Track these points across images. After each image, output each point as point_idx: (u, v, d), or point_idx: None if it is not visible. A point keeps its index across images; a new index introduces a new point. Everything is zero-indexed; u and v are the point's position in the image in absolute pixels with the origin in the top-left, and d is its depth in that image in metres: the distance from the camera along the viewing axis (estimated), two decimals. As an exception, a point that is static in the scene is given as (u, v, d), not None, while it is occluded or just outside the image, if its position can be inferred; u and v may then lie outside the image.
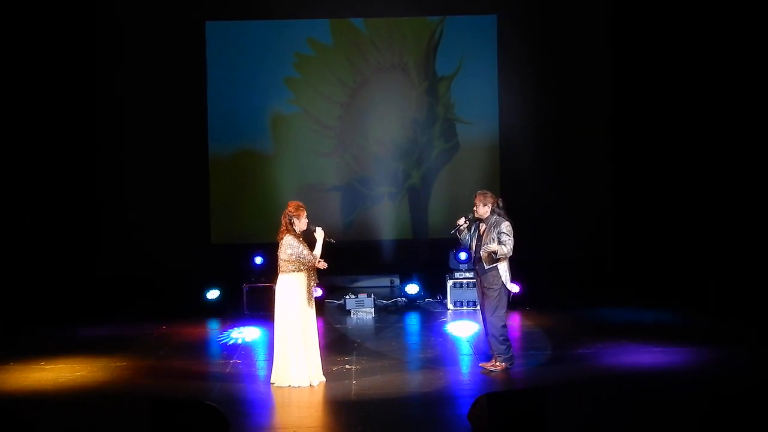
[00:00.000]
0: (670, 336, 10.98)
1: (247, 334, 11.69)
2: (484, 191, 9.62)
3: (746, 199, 11.99)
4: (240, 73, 15.85)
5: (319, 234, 9.16)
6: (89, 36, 15.53)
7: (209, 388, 9.22)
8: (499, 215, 9.42)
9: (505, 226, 9.34)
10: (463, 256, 13.41)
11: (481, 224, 9.50)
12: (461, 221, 9.60)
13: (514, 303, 9.67)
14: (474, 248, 9.52)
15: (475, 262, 9.58)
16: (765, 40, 11.59)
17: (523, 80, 15.84)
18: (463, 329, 11.93)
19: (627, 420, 7.85)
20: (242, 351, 10.79)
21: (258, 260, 13.46)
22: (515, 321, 12.16)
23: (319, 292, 12.67)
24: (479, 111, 15.98)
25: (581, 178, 15.86)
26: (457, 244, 13.24)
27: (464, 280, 13.36)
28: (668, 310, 12.76)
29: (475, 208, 9.48)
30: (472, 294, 13.25)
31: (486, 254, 9.30)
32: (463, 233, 9.61)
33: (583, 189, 15.85)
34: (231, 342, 11.29)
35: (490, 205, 9.44)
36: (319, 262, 9.07)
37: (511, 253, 9.34)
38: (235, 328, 12.03)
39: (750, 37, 11.88)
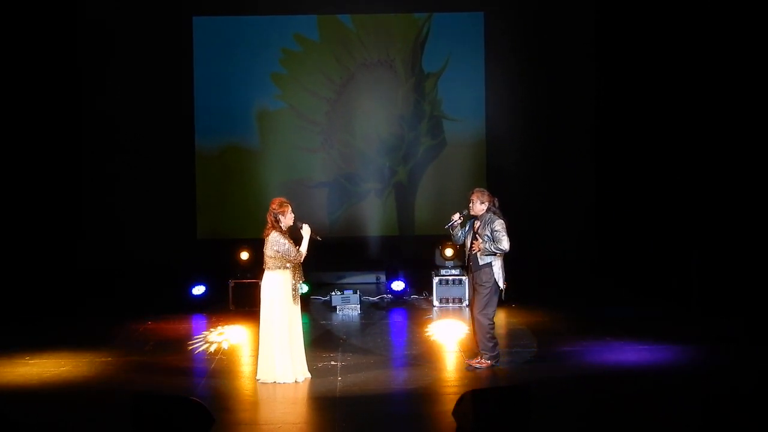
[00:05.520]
0: (654, 333, 11.03)
1: (229, 335, 11.59)
2: (481, 189, 9.62)
3: (728, 195, 12.05)
4: (227, 69, 15.83)
5: (306, 231, 9.16)
6: (76, 30, 15.48)
7: (194, 383, 9.20)
8: (494, 213, 9.43)
9: (499, 224, 9.35)
10: (449, 252, 13.42)
11: (475, 221, 9.51)
12: (456, 217, 9.60)
13: (500, 300, 9.65)
14: (468, 245, 9.52)
15: (468, 259, 9.58)
16: (745, 41, 11.65)
17: (510, 78, 15.87)
18: (448, 326, 11.95)
19: (611, 417, 7.88)
20: (227, 347, 10.78)
21: (244, 256, 13.44)
22: (501, 318, 12.18)
23: (305, 289, 12.66)
24: (466, 108, 16.00)
25: (566, 175, 15.91)
26: (443, 241, 13.37)
27: (450, 277, 13.37)
28: (652, 307, 12.81)
29: (471, 205, 9.48)
30: (458, 291, 13.30)
31: (476, 250, 9.32)
32: (456, 229, 9.61)
33: (569, 186, 15.91)
34: (209, 346, 11.15)
35: (486, 203, 9.44)
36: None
37: (508, 250, 9.32)
38: (212, 330, 11.90)
39: (732, 38, 11.94)
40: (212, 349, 10.71)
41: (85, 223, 15.66)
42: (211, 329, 11.83)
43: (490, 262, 9.37)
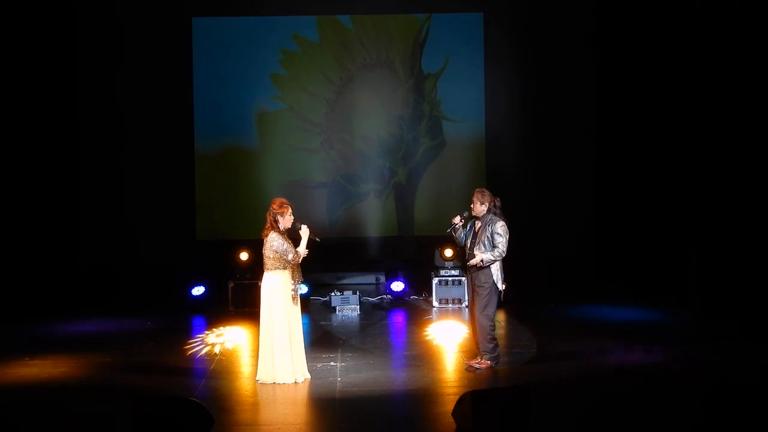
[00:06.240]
0: (654, 333, 11.02)
1: (228, 336, 11.57)
2: (482, 189, 9.59)
3: (728, 194, 12.05)
4: (226, 70, 15.81)
5: (305, 232, 9.15)
6: (76, 31, 15.47)
7: (193, 384, 9.20)
8: (495, 214, 9.41)
9: (500, 227, 9.33)
10: (448, 253, 13.40)
11: (476, 222, 9.50)
12: (457, 219, 9.59)
13: (499, 301, 9.65)
14: (469, 246, 9.51)
15: (467, 260, 9.58)
16: (743, 43, 11.66)
17: (509, 78, 15.86)
18: (448, 327, 11.95)
19: (611, 418, 7.87)
20: (227, 348, 10.77)
21: (243, 257, 13.42)
22: (500, 319, 12.18)
23: (304, 289, 12.66)
24: (465, 109, 15.99)
25: (566, 175, 15.89)
26: (442, 242, 13.37)
27: (449, 278, 13.37)
28: (652, 307, 12.80)
29: (472, 206, 9.47)
30: (458, 291, 13.29)
31: (476, 263, 9.30)
32: (459, 231, 9.60)
33: (568, 187, 15.88)
34: (209, 347, 11.13)
35: (487, 203, 9.43)
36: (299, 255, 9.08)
37: (503, 255, 9.34)
38: (212, 331, 11.87)
39: (729, 38, 11.95)
40: (212, 350, 10.71)
41: (84, 223, 15.64)
42: (211, 330, 11.82)
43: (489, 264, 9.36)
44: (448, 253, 13.44)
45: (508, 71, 15.86)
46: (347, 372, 9.51)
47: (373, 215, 16.01)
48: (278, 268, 8.99)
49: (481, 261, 9.26)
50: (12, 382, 9.24)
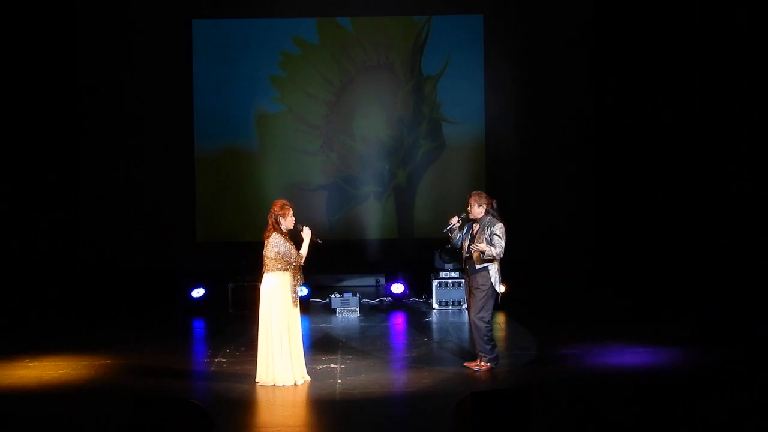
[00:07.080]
0: (653, 335, 11.02)
1: (228, 337, 11.60)
2: (479, 192, 9.62)
3: (728, 197, 12.05)
4: (226, 71, 15.83)
5: (306, 233, 9.16)
6: (76, 33, 15.49)
7: (193, 386, 9.20)
8: (493, 216, 9.43)
9: (499, 228, 9.35)
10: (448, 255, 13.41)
11: (474, 224, 9.51)
12: (454, 220, 9.60)
13: (496, 303, 9.65)
14: (465, 248, 9.52)
15: (465, 262, 9.58)
16: (743, 42, 11.67)
17: (509, 80, 15.87)
18: (448, 329, 11.94)
19: (611, 420, 7.87)
20: (226, 350, 10.78)
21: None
22: (500, 321, 12.19)
23: (304, 291, 12.66)
24: (465, 110, 16.00)
25: (566, 178, 15.90)
26: (442, 243, 13.37)
27: (449, 280, 13.38)
28: (651, 309, 12.80)
29: (469, 208, 9.48)
30: (458, 293, 13.29)
31: (476, 253, 9.31)
32: (455, 232, 9.61)
33: (568, 189, 15.89)
34: (208, 348, 11.15)
35: (484, 206, 9.44)
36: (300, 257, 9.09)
37: (501, 255, 9.36)
38: (212, 333, 11.91)
39: (728, 39, 11.96)
40: (211, 351, 10.71)
41: (84, 225, 15.65)
42: (211, 332, 11.82)
43: (487, 266, 9.37)
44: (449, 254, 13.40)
45: (508, 73, 15.87)
46: (347, 374, 9.51)
47: (373, 217, 16.01)
48: (279, 270, 8.99)
49: (483, 252, 9.27)
50: (13, 383, 9.24)
